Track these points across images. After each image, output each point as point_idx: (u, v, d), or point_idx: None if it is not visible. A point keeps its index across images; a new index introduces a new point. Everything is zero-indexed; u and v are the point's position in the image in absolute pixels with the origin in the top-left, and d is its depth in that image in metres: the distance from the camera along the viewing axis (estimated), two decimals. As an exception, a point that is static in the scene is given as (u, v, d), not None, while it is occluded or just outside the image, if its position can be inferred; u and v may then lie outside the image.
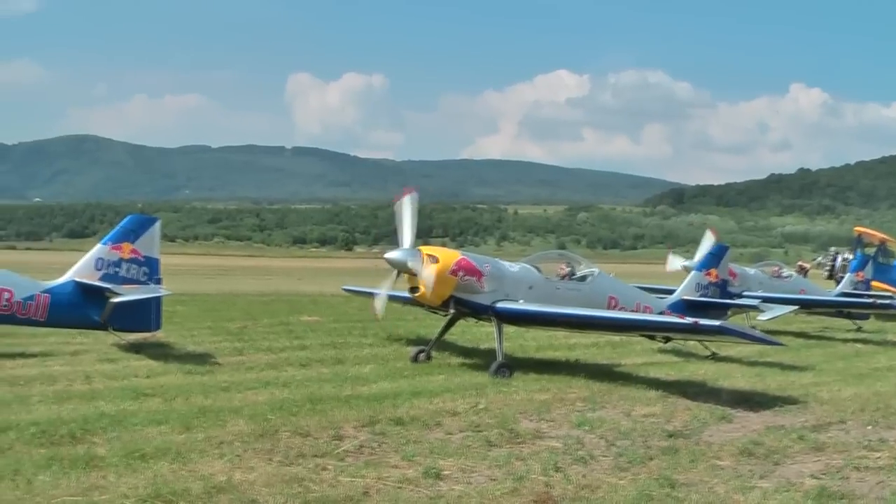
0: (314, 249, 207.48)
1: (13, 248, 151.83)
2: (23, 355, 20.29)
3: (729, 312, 27.93)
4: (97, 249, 22.09)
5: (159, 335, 23.44)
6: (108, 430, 13.29)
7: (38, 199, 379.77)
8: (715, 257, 28.22)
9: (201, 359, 21.19)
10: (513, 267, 22.46)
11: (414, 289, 21.14)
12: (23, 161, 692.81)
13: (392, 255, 21.22)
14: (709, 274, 27.54)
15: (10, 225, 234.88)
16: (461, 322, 23.21)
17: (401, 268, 21.06)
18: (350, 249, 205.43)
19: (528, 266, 22.82)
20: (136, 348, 22.01)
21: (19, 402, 15.26)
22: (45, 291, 20.98)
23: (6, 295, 20.34)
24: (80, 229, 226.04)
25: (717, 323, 19.54)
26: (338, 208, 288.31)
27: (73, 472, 11.04)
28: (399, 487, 11.11)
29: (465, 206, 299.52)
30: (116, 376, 18.34)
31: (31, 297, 20.69)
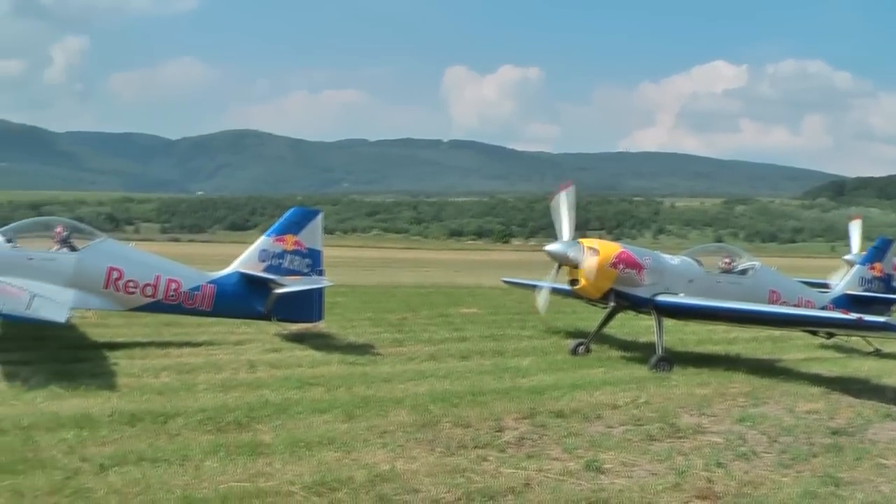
0: (471, 242, 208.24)
1: (177, 240, 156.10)
2: (189, 344, 20.75)
3: (894, 308, 26.96)
4: (261, 241, 22.48)
5: (321, 326, 23.74)
6: (272, 419, 13.52)
7: (200, 193, 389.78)
8: (879, 251, 27.20)
9: (362, 349, 21.42)
10: (673, 260, 22.17)
11: (574, 281, 21.02)
12: (186, 156, 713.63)
13: (553, 247, 21.12)
14: (872, 268, 26.62)
15: (174, 217, 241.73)
16: (620, 315, 22.95)
17: (561, 260, 20.95)
18: (506, 242, 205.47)
19: (689, 259, 22.49)
20: (298, 338, 22.34)
21: (186, 389, 15.63)
22: (211, 282, 21.44)
23: (173, 285, 20.83)
24: (241, 222, 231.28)
25: (882, 319, 18.86)
26: (494, 201, 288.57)
27: (240, 459, 11.25)
28: (560, 480, 11.02)
29: (621, 199, 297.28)
30: (280, 365, 18.64)
31: (197, 288, 21.17)
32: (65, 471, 10.52)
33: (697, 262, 22.54)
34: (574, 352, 22.08)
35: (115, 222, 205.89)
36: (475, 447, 12.42)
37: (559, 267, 21.10)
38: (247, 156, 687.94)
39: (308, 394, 15.61)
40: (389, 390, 16.33)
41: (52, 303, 18.03)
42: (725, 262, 23.16)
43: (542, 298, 21.39)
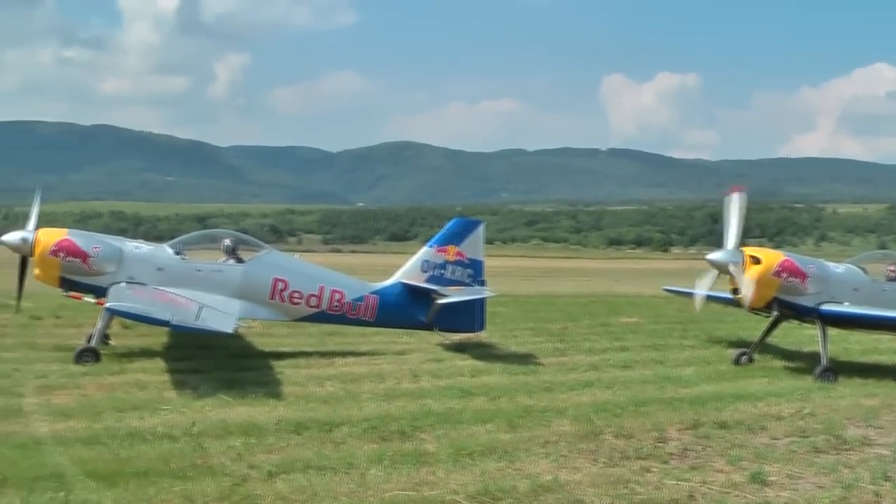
0: (630, 251, 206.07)
1: (338, 250, 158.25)
2: (353, 354, 21.03)
3: None
4: (423, 252, 22.65)
5: (482, 335, 23.76)
6: (435, 428, 13.59)
7: (361, 204, 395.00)
8: None
9: (524, 359, 21.39)
10: (837, 268, 21.62)
11: (736, 290, 20.65)
12: (347, 168, 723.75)
13: (714, 256, 20.82)
14: None
15: (336, 229, 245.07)
16: (783, 324, 22.44)
17: (722, 269, 20.62)
18: (666, 251, 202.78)
19: (854, 267, 21.93)
20: (460, 348, 22.42)
21: (351, 398, 15.82)
22: (374, 293, 21.66)
23: (337, 296, 21.13)
24: (401, 232, 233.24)
25: None
26: (654, 209, 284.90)
27: (404, 468, 11.33)
28: (725, 492, 10.85)
29: (782, 206, 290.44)
30: (442, 375, 18.73)
31: (360, 298, 21.43)
32: (233, 477, 10.75)
33: (862, 270, 21.97)
34: (737, 361, 21.77)
35: (278, 233, 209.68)
36: (638, 458, 12.30)
37: (719, 275, 20.82)
38: (406, 167, 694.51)
39: (470, 403, 15.66)
40: (551, 400, 16.30)
41: (220, 313, 18.46)
42: (891, 270, 22.42)
43: (698, 302, 21.57)
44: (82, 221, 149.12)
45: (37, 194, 21.87)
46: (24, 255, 20.49)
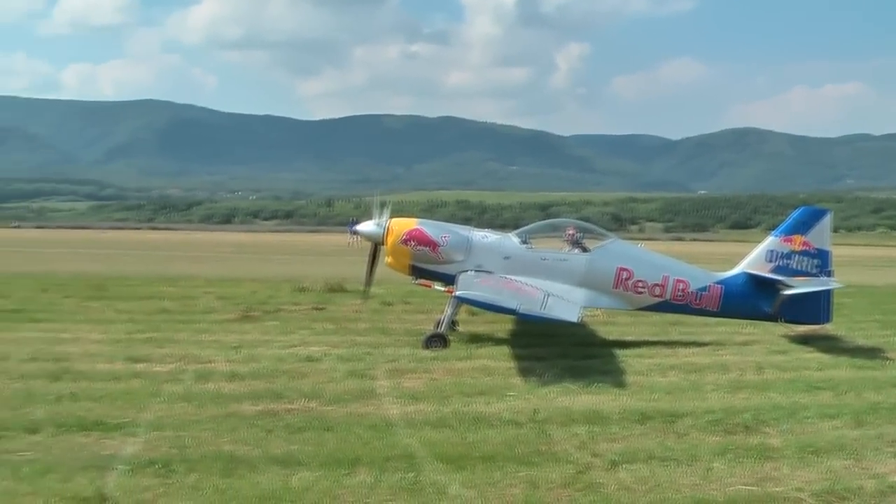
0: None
1: (680, 238, 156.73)
2: (696, 344, 20.82)
3: None
4: (769, 242, 22.14)
5: (828, 327, 23.00)
6: (780, 422, 13.32)
7: (702, 192, 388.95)
8: None
9: (871, 353, 20.53)
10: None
11: None
12: (688, 155, 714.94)
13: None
14: None
15: (677, 217, 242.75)
16: None
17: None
18: None
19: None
20: (804, 340, 21.78)
21: (694, 389, 15.71)
22: (719, 282, 21.39)
23: (681, 286, 20.99)
24: (743, 220, 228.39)
25: None
26: None
27: (747, 462, 11.22)
28: None
29: None
30: (787, 368, 18.24)
31: (704, 288, 21.19)
32: (577, 465, 10.96)
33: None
34: None
35: (620, 222, 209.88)
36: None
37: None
38: (748, 154, 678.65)
39: (816, 398, 15.22)
40: (904, 396, 15.61)
41: (565, 302, 18.77)
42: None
43: None
44: (429, 211, 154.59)
45: (385, 185, 22.93)
46: (377, 244, 21.53)
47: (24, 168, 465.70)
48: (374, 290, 24.53)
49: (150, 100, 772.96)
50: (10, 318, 23.12)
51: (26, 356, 17.48)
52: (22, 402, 13.67)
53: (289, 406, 13.72)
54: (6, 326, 21.64)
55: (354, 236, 22.33)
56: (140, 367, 16.72)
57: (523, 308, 17.46)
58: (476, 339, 20.94)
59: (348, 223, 23.31)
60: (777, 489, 10.24)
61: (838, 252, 24.37)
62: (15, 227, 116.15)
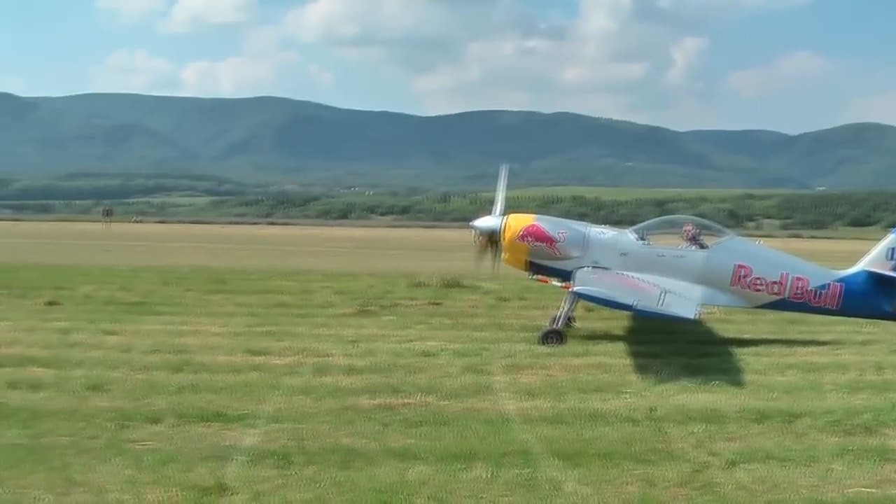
0: None
1: (798, 236, 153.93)
2: (814, 343, 20.50)
3: None
4: (889, 239, 21.65)
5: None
6: (903, 423, 13.06)
7: (821, 188, 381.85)
8: None
9: None
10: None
11: None
12: (806, 151, 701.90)
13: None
14: None
15: (796, 213, 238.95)
16: None
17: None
18: None
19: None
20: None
21: (812, 388, 15.47)
22: (839, 280, 21.01)
23: (800, 283, 20.68)
24: (862, 218, 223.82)
25: None
26: None
27: (867, 463, 11.02)
28: None
29: None
30: (910, 369, 17.88)
31: (824, 286, 20.82)
32: (693, 464, 10.88)
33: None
34: None
35: (736, 218, 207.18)
36: None
37: None
38: (867, 149, 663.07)
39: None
40: None
41: (682, 299, 18.65)
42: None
43: None
44: (544, 207, 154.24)
45: (503, 179, 22.97)
46: (494, 240, 21.59)
47: (146, 164, 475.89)
48: (489, 285, 24.64)
49: (268, 97, 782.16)
50: (134, 311, 23.79)
51: (148, 348, 17.97)
52: (144, 393, 14.06)
53: (406, 400, 13.88)
54: (130, 319, 22.24)
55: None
56: (259, 359, 17.07)
57: (640, 304, 17.43)
58: (592, 335, 20.94)
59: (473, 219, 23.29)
60: (896, 492, 10.07)
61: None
62: (136, 222, 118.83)
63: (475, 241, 22.07)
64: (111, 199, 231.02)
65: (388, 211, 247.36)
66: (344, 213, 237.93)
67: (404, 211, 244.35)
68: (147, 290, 29.07)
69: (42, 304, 24.69)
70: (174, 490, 9.54)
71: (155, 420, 12.46)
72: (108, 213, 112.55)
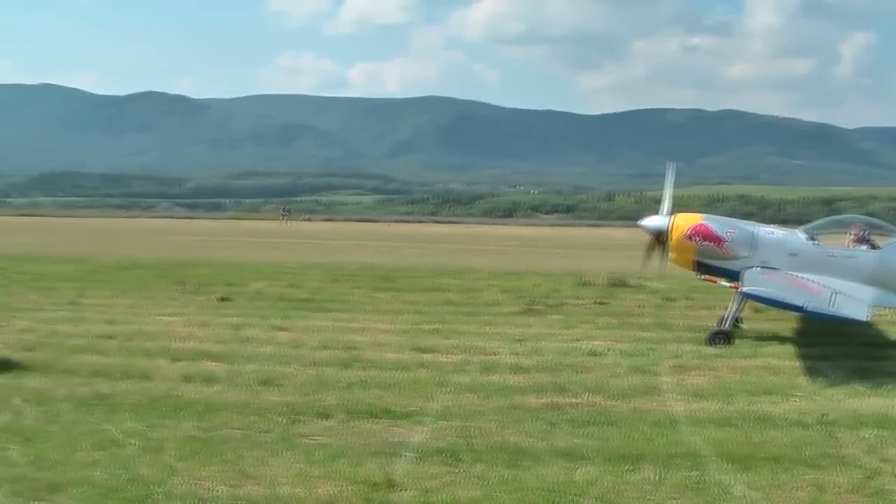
0: None
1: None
2: None
3: None
4: None
5: None
6: None
7: None
8: None
9: None
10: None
11: None
12: None
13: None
14: None
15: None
16: None
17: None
18: None
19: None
20: None
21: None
22: None
23: None
24: None
25: None
26: None
27: None
28: None
29: None
30: None
31: None
32: (865, 470, 10.69)
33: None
34: None
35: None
36: None
37: None
38: None
39: None
40: None
41: (853, 300, 18.24)
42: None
43: None
44: (710, 205, 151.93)
45: (669, 178, 22.76)
46: (661, 240, 21.44)
47: (314, 163, 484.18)
48: (655, 285, 24.47)
49: (434, 96, 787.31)
50: (303, 307, 24.40)
51: (318, 344, 18.43)
52: (315, 388, 14.46)
53: (573, 400, 13.96)
54: (299, 315, 22.82)
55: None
56: (427, 357, 17.34)
57: (811, 306, 17.15)
58: (760, 336, 20.64)
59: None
60: None
61: None
62: (305, 220, 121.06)
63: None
64: (280, 198, 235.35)
65: (553, 209, 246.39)
66: (509, 212, 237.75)
67: (569, 209, 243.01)
68: (316, 287, 29.73)
69: (215, 300, 25.53)
70: (344, 485, 9.80)
71: (325, 415, 12.80)
72: (287, 212, 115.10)
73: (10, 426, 12.06)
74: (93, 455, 10.75)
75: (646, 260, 21.86)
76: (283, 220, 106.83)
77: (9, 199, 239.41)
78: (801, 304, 17.29)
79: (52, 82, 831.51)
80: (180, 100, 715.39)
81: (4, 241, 50.77)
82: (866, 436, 12.14)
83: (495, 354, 17.71)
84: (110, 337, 19.06)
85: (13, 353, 16.99)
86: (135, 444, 11.20)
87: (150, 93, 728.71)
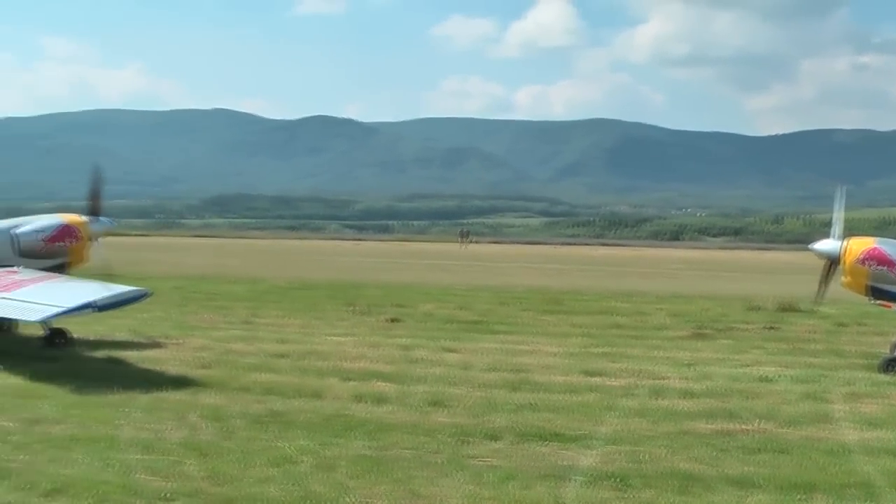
0: None
1: None
2: None
3: None
4: None
5: None
6: None
7: None
8: None
9: None
10: None
11: None
12: None
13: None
14: None
15: None
16: None
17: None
18: None
19: None
20: None
21: None
22: None
23: None
24: None
25: None
26: None
27: None
28: None
29: None
30: None
31: None
32: None
33: None
34: None
35: None
36: None
37: None
38: None
39: None
40: None
41: None
42: None
43: None
44: (881, 229, 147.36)
45: (839, 201, 22.20)
46: (833, 263, 20.96)
47: (481, 185, 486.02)
48: (826, 310, 23.91)
49: (600, 118, 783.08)
50: (472, 329, 24.55)
51: (487, 366, 18.55)
52: (484, 410, 14.52)
53: (743, 426, 13.75)
54: (468, 337, 22.98)
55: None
56: (595, 380, 17.30)
57: None
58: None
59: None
60: None
61: None
62: (472, 242, 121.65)
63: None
64: (448, 220, 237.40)
65: (721, 232, 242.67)
66: (675, 235, 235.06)
67: (736, 232, 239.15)
68: (484, 309, 29.89)
69: (385, 321, 25.87)
70: (514, 507, 9.82)
71: (494, 437, 12.86)
72: (465, 235, 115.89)
73: (188, 441, 12.41)
74: (267, 471, 11.01)
75: (823, 287, 21.39)
76: (462, 242, 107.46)
77: (184, 221, 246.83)
78: None
79: (225, 107, 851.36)
80: (349, 123, 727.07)
81: (180, 262, 52.23)
82: None
83: (664, 379, 17.56)
84: (283, 356, 19.51)
85: (190, 370, 17.54)
86: (308, 462, 11.43)
87: (319, 117, 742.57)
